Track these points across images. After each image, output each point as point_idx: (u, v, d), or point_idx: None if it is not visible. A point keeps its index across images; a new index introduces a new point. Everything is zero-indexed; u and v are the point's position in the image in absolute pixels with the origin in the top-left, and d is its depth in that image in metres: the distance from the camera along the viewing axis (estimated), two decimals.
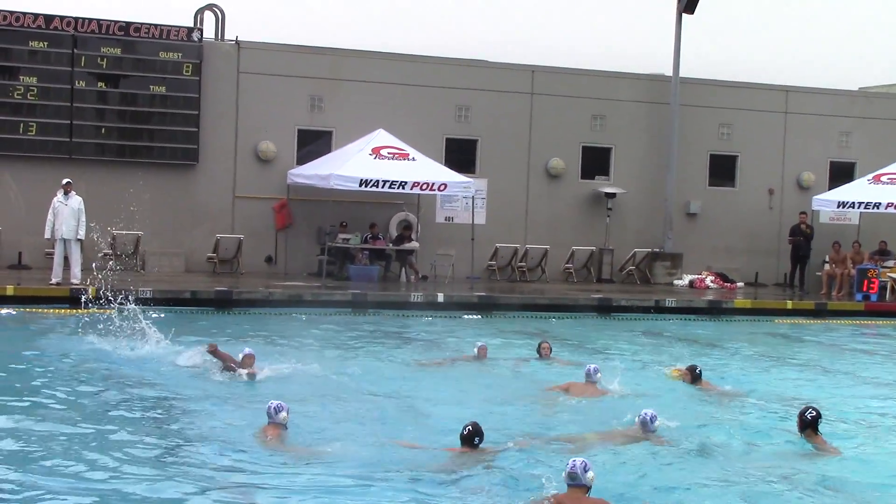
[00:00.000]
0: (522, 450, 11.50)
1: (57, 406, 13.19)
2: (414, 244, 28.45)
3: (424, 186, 26.85)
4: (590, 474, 8.93)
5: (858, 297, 28.23)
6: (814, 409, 12.30)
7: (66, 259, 23.20)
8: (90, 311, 19.87)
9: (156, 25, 27.36)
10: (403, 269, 28.34)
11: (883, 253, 30.16)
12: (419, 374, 16.38)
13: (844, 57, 51.49)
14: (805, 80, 33.91)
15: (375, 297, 24.69)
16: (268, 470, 10.61)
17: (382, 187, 26.33)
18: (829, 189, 31.83)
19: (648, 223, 31.30)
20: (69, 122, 26.65)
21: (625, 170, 31.45)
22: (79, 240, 23.20)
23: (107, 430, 11.91)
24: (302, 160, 28.58)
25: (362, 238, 27.95)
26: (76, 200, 23.23)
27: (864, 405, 15.64)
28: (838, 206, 30.67)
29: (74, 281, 22.89)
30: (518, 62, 31.11)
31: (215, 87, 27.96)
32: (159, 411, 13.14)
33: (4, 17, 26.31)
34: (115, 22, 27.09)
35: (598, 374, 15.14)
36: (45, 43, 26.55)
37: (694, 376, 15.70)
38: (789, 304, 27.49)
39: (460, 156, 29.83)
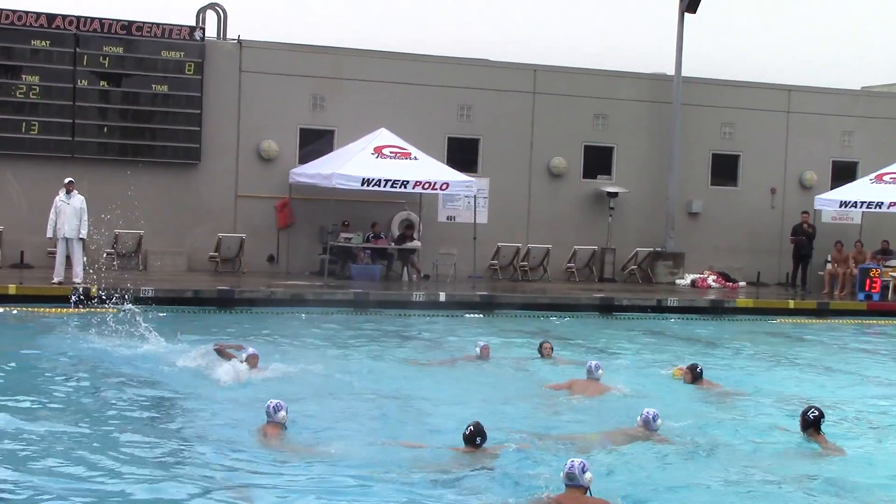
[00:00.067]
0: (524, 450, 11.49)
1: (57, 406, 13.19)
2: (416, 243, 28.44)
3: (426, 186, 26.84)
4: (588, 475, 8.92)
5: (860, 296, 28.21)
6: (816, 408, 12.30)
7: (69, 258, 23.18)
8: (92, 310, 19.89)
9: (158, 24, 27.37)
10: (405, 269, 28.34)
11: (885, 252, 30.13)
12: (421, 374, 16.37)
13: (847, 56, 51.48)
14: (807, 79, 33.93)
15: (377, 297, 24.67)
16: (267, 470, 10.60)
17: (384, 186, 26.33)
18: (832, 188, 31.83)
19: (650, 222, 31.29)
20: (71, 121, 26.66)
21: (627, 169, 31.44)
22: (81, 239, 23.19)
23: (106, 430, 11.91)
24: (304, 159, 28.58)
25: (364, 237, 27.95)
26: (78, 199, 23.22)
27: (866, 404, 15.63)
28: (840, 206, 30.66)
29: (76, 280, 22.89)
30: (520, 61, 31.10)
31: (217, 86, 27.97)
32: (159, 411, 13.15)
33: (7, 16, 26.32)
34: (118, 21, 27.10)
35: (600, 371, 15.15)
36: (48, 42, 26.56)
37: (695, 375, 15.69)
38: (791, 304, 27.47)
39: (462, 155, 29.82)
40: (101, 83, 27.04)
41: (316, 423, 12.53)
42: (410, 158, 27.03)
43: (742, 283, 31.05)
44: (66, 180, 23.42)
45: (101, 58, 26.93)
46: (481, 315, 24.18)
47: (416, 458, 11.09)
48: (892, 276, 28.55)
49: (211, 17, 28.80)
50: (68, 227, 22.97)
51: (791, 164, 32.94)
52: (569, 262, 30.33)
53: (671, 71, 31.15)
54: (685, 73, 30.89)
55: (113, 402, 13.47)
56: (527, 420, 13.12)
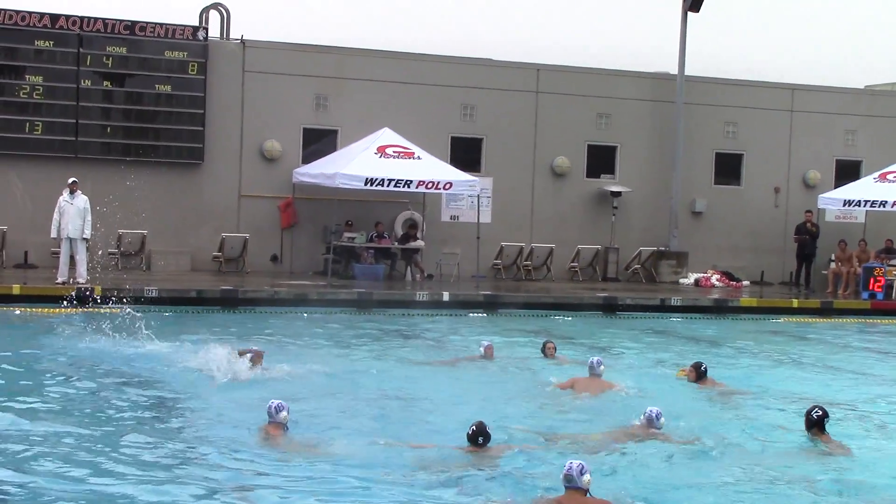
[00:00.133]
0: (527, 450, 11.49)
1: (58, 406, 13.18)
2: (419, 243, 28.44)
3: (430, 185, 26.84)
4: (586, 477, 8.89)
5: (864, 295, 28.19)
6: (820, 408, 12.29)
7: (73, 258, 23.19)
8: (95, 310, 19.90)
9: (161, 24, 27.39)
10: (409, 268, 28.34)
11: (889, 251, 30.10)
12: (424, 374, 16.37)
13: (850, 55, 51.44)
14: (810, 78, 33.89)
15: (381, 296, 24.68)
16: (269, 470, 10.58)
17: (388, 186, 26.34)
18: (835, 187, 31.82)
19: (654, 222, 31.28)
20: (75, 121, 26.68)
21: (630, 168, 31.43)
22: (84, 239, 23.21)
23: (108, 431, 11.89)
24: (307, 159, 28.59)
25: (368, 237, 27.97)
26: (82, 199, 23.24)
27: (871, 403, 15.62)
28: (844, 205, 30.67)
29: (80, 280, 22.91)
30: (523, 61, 31.11)
31: (220, 86, 27.98)
32: (160, 411, 13.13)
33: (10, 17, 26.34)
34: (121, 21, 27.12)
35: (601, 367, 15.17)
36: (51, 42, 26.59)
37: (699, 373, 15.68)
38: (795, 303, 27.46)
39: (465, 154, 29.83)
40: (105, 83, 27.07)
41: (318, 423, 12.51)
42: (414, 158, 27.04)
43: (746, 283, 31.04)
44: (70, 180, 23.43)
45: (105, 58, 26.95)
46: (485, 314, 24.18)
47: (418, 457, 11.09)
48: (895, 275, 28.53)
49: (214, 17, 28.85)
50: (72, 227, 22.99)
51: (794, 163, 32.92)
52: (572, 261, 30.32)
53: (674, 70, 31.14)
54: (688, 72, 30.89)
55: (114, 402, 13.46)
56: (530, 419, 13.12)
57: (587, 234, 30.73)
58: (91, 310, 20.63)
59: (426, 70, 29.66)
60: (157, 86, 27.32)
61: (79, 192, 23.30)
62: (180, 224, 27.74)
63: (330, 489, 10.07)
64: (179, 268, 27.17)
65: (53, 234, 23.36)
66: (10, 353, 16.30)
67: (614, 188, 30.73)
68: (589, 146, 31.26)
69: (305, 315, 22.42)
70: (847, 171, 32.86)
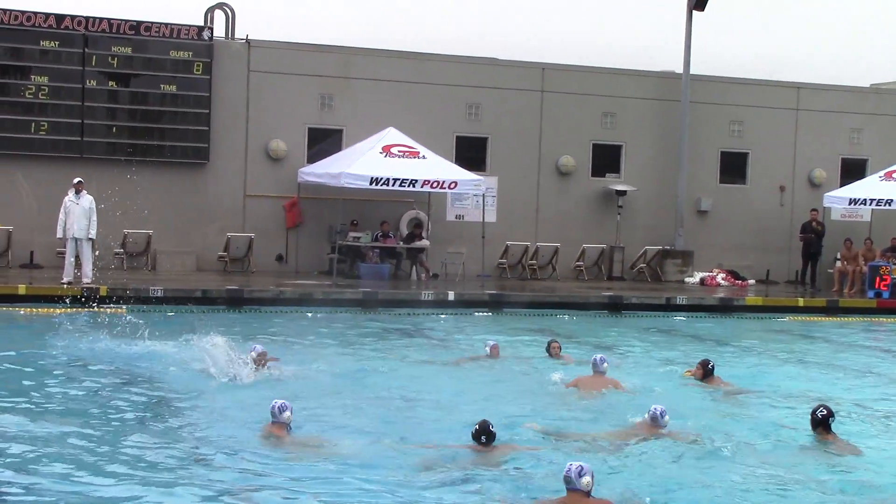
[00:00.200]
0: (531, 450, 11.48)
1: (62, 407, 13.15)
2: (424, 242, 28.45)
3: (435, 184, 26.85)
4: (584, 479, 8.86)
5: (870, 294, 28.16)
6: (825, 407, 12.27)
7: (78, 258, 23.21)
8: (100, 310, 19.92)
9: (166, 24, 27.41)
10: (414, 268, 28.35)
11: (895, 250, 30.06)
12: (429, 373, 16.37)
13: (856, 53, 51.37)
14: (816, 76, 33.85)
15: (386, 296, 24.68)
16: (271, 471, 10.55)
17: (393, 185, 26.34)
18: (841, 186, 31.80)
19: (659, 220, 31.27)
20: (80, 121, 26.72)
21: (635, 167, 31.42)
22: (90, 239, 23.22)
23: (111, 432, 11.85)
24: (312, 159, 28.61)
25: (373, 236, 27.98)
26: (87, 199, 23.26)
27: (877, 402, 15.60)
28: (850, 203, 30.66)
29: (86, 280, 22.93)
30: (528, 60, 31.11)
31: (226, 85, 28.01)
32: (163, 412, 13.09)
33: (16, 17, 26.38)
34: (126, 21, 27.15)
35: (605, 364, 15.16)
36: (56, 42, 26.62)
37: (706, 371, 15.66)
38: (801, 302, 27.44)
39: (471, 154, 29.83)
40: (110, 83, 27.10)
41: (322, 423, 12.50)
42: (419, 157, 27.04)
43: (751, 281, 31.02)
44: (76, 180, 23.45)
45: (110, 58, 26.98)
46: (490, 314, 24.18)
47: (422, 457, 11.08)
48: None
49: (219, 16, 28.87)
50: (77, 227, 23.00)
51: (800, 161, 32.89)
52: (577, 260, 30.32)
53: (679, 69, 31.13)
54: (693, 71, 30.87)
55: (116, 402, 13.44)
56: (534, 419, 13.09)
57: (592, 234, 30.72)
58: (95, 310, 20.65)
59: (431, 69, 29.66)
60: (162, 86, 27.34)
61: (84, 192, 23.33)
62: (185, 224, 27.76)
63: (333, 489, 10.06)
64: (185, 268, 27.21)
65: (59, 235, 23.38)
66: (14, 353, 16.31)
67: (619, 187, 30.73)
68: (594, 145, 31.25)
69: (311, 315, 22.42)
70: (853, 170, 32.82)
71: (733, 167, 32.55)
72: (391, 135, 27.33)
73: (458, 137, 29.97)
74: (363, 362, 17.07)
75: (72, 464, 10.56)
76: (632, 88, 31.35)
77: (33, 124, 26.45)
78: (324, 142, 28.96)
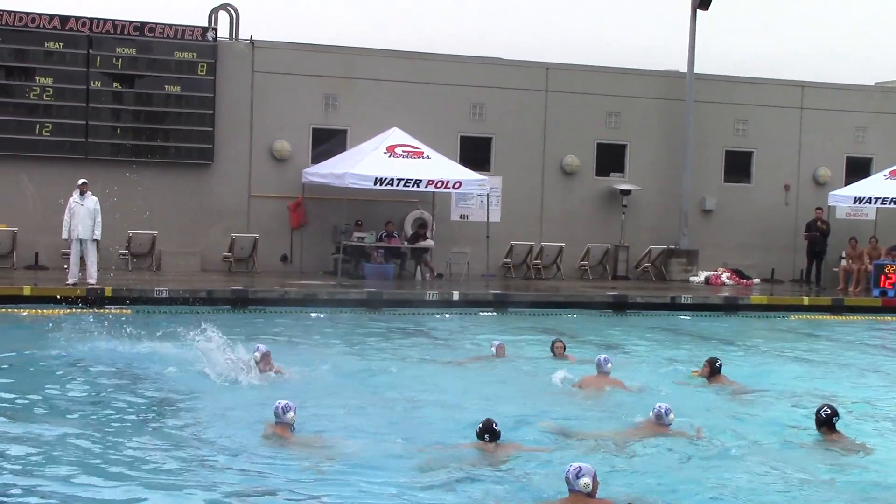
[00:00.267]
0: (536, 450, 11.49)
1: (67, 408, 13.14)
2: (429, 242, 28.45)
3: (439, 184, 26.85)
4: (582, 480, 8.86)
5: (875, 292, 28.14)
6: (829, 406, 12.28)
7: (83, 259, 23.23)
8: (104, 311, 19.94)
9: (170, 25, 27.44)
10: (419, 268, 28.35)
11: None
12: (434, 373, 16.38)
13: (860, 51, 51.33)
14: (821, 75, 33.81)
15: (391, 296, 24.68)
16: (275, 471, 10.57)
17: (397, 185, 26.35)
18: (846, 184, 31.76)
19: (664, 220, 31.25)
20: (85, 122, 26.74)
21: (640, 166, 31.41)
22: (95, 240, 23.24)
23: (113, 433, 11.84)
24: (317, 159, 28.61)
25: (377, 236, 27.99)
26: (92, 201, 23.28)
27: (882, 401, 15.60)
28: (855, 202, 30.62)
29: (91, 281, 22.96)
30: (532, 59, 31.10)
31: (230, 86, 28.02)
32: (165, 412, 13.10)
33: (20, 19, 26.41)
34: (130, 22, 27.17)
35: (609, 364, 15.16)
36: (61, 44, 26.64)
37: (713, 369, 15.66)
38: (806, 301, 27.41)
39: (475, 153, 29.82)
40: (115, 84, 27.12)
41: (325, 423, 12.51)
42: (423, 157, 27.05)
43: (756, 280, 31.00)
44: (80, 181, 23.47)
45: (114, 59, 27.01)
46: (494, 313, 24.17)
47: (425, 457, 11.10)
48: None
49: (223, 17, 28.87)
50: (82, 228, 23.02)
51: (805, 160, 32.86)
52: (582, 259, 30.30)
53: (684, 68, 31.10)
54: (698, 69, 30.85)
55: (120, 403, 13.44)
56: (539, 419, 13.10)
57: (597, 233, 30.71)
58: (100, 311, 20.68)
59: (435, 69, 29.67)
60: (166, 86, 27.36)
61: (89, 193, 23.34)
62: (190, 224, 27.78)
63: (336, 490, 10.07)
64: (189, 268, 27.22)
65: (64, 236, 23.39)
66: (20, 355, 16.34)
67: (624, 186, 30.71)
68: (598, 144, 31.24)
69: (317, 316, 22.43)
70: (857, 168, 32.78)
71: (738, 166, 32.52)
72: (395, 135, 27.34)
73: (462, 137, 29.96)
74: (368, 362, 17.08)
75: (74, 466, 10.57)
76: (636, 88, 31.33)
77: (38, 125, 26.48)
78: (328, 142, 28.96)
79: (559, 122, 30.66)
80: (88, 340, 17.33)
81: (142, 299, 22.37)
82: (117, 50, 27.02)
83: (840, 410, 12.46)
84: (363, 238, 27.74)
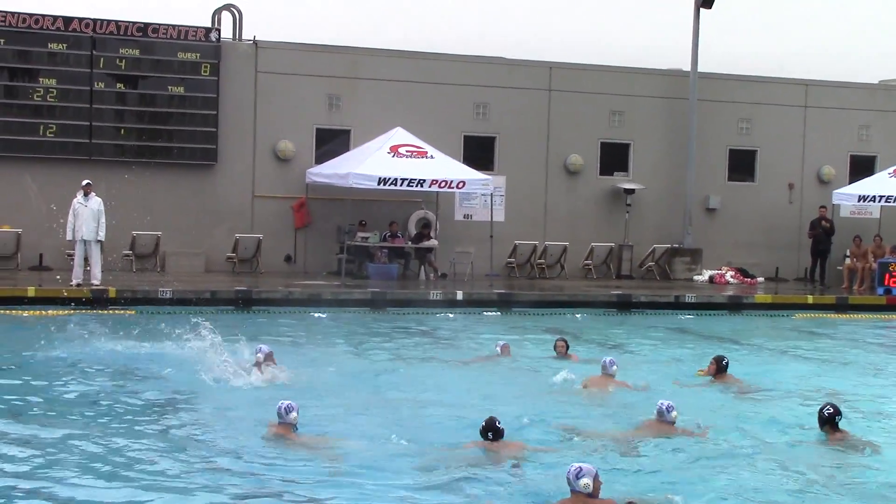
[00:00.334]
0: (539, 450, 11.48)
1: (70, 410, 13.11)
2: (433, 242, 28.45)
3: (443, 184, 26.85)
4: (582, 481, 8.85)
5: (880, 291, 28.12)
6: (832, 405, 12.27)
7: (87, 260, 23.25)
8: (108, 312, 19.94)
9: (174, 26, 27.45)
10: (423, 268, 28.35)
11: None
12: (438, 373, 16.38)
13: (864, 49, 51.26)
14: (824, 73, 33.75)
15: (395, 296, 24.68)
16: (277, 472, 10.57)
17: (401, 185, 26.35)
18: (850, 183, 31.74)
19: (668, 219, 31.24)
20: (88, 123, 26.77)
21: (644, 165, 31.39)
22: (99, 241, 23.26)
23: (115, 434, 11.81)
24: (320, 159, 28.62)
25: (381, 236, 27.99)
26: (96, 202, 23.29)
27: (887, 399, 15.59)
28: (859, 200, 30.61)
29: (95, 282, 22.98)
30: (536, 59, 31.10)
31: (233, 86, 28.03)
32: (168, 413, 13.07)
33: (24, 20, 26.43)
34: (134, 23, 27.19)
35: (614, 367, 15.15)
36: (64, 45, 26.67)
37: (720, 367, 15.66)
38: (810, 299, 27.38)
39: (478, 153, 29.83)
40: (118, 85, 27.14)
41: (329, 423, 12.50)
42: (427, 157, 27.05)
43: (760, 279, 30.98)
44: (84, 182, 23.48)
45: (118, 60, 27.03)
46: (499, 313, 24.16)
47: (429, 457, 11.10)
48: None
49: (226, 18, 28.88)
50: (86, 229, 23.04)
51: (809, 158, 32.83)
52: (586, 259, 30.29)
53: (687, 67, 31.10)
54: (701, 68, 30.85)
55: (123, 406, 13.41)
56: (542, 418, 13.10)
57: (601, 232, 30.70)
58: (103, 311, 20.68)
59: (439, 69, 29.67)
60: (170, 87, 27.38)
61: (93, 193, 23.35)
62: (194, 225, 27.79)
63: (339, 490, 10.06)
64: (193, 269, 27.24)
65: (68, 237, 23.41)
66: (24, 356, 16.33)
67: (628, 185, 30.70)
68: (602, 144, 31.24)
69: (321, 316, 22.43)
70: (861, 167, 32.75)
71: (742, 165, 32.50)
72: (399, 135, 27.35)
73: (465, 137, 29.96)
74: (371, 363, 17.09)
75: (76, 467, 10.56)
76: (640, 86, 31.32)
77: (42, 127, 26.50)
78: (332, 142, 28.97)
79: (563, 121, 30.66)
80: (92, 341, 17.34)
81: (146, 300, 22.39)
82: (121, 51, 27.04)
83: (846, 409, 12.46)
84: (367, 238, 27.75)
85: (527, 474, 10.58)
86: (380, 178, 26.03)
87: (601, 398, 14.34)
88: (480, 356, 17.64)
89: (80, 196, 23.28)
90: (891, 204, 30.24)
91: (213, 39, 27.82)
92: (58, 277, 23.73)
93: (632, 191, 30.62)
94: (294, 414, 11.50)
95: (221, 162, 27.96)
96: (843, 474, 11.12)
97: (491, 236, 27.48)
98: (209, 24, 28.40)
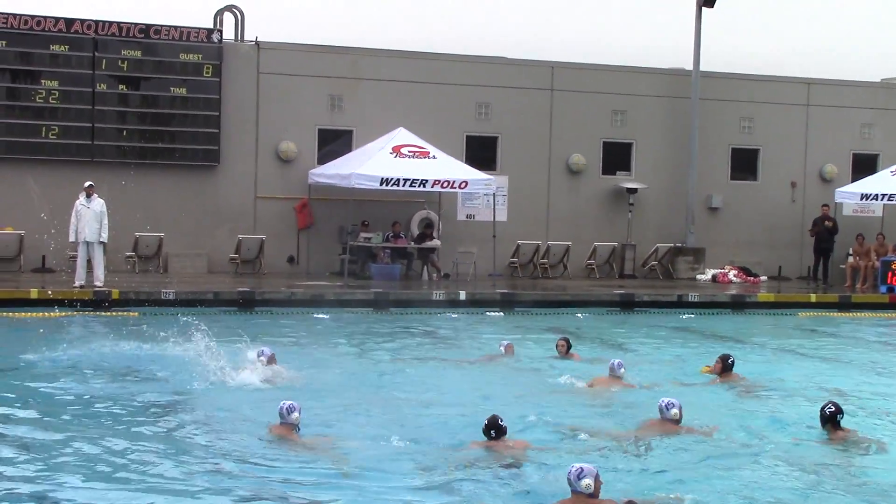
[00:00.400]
0: (543, 449, 11.48)
1: (72, 412, 13.10)
2: (435, 242, 28.44)
3: (445, 184, 26.85)
4: (584, 481, 8.84)
5: (883, 289, 28.10)
6: (833, 403, 12.27)
7: (90, 262, 23.25)
8: (112, 314, 19.94)
9: (175, 27, 27.46)
10: (425, 268, 28.35)
11: None
12: (442, 373, 16.37)
13: (866, 48, 51.23)
14: (826, 72, 33.74)
15: (397, 296, 24.69)
16: (279, 472, 10.57)
17: (403, 186, 26.35)
18: (852, 181, 31.72)
19: (670, 218, 31.22)
20: (90, 125, 26.78)
21: (646, 165, 31.38)
22: (101, 242, 23.27)
23: (118, 437, 11.79)
24: (322, 160, 28.63)
25: (384, 237, 27.99)
26: (98, 203, 23.29)
27: (890, 396, 15.57)
28: (861, 199, 30.60)
29: (98, 283, 22.98)
30: (537, 58, 31.10)
31: (235, 87, 28.04)
32: (170, 414, 13.07)
33: (26, 22, 26.45)
34: (136, 24, 27.20)
35: (622, 370, 15.13)
36: (66, 46, 26.68)
37: (725, 365, 15.66)
38: (813, 298, 27.36)
39: (481, 153, 29.82)
40: (120, 87, 27.15)
41: (330, 424, 12.50)
42: (429, 157, 27.04)
43: (763, 278, 30.97)
44: (86, 184, 23.50)
45: (120, 61, 27.04)
46: (502, 313, 24.16)
47: (431, 457, 11.10)
48: None
49: (228, 19, 28.85)
50: (89, 230, 23.05)
51: (811, 157, 32.81)
52: (589, 258, 30.28)
53: (689, 66, 31.08)
54: (703, 67, 30.82)
55: (125, 407, 13.38)
56: (545, 418, 13.09)
57: (603, 232, 30.69)
58: (106, 313, 20.69)
59: (440, 69, 29.67)
60: (172, 88, 27.39)
61: (95, 195, 23.36)
62: (196, 226, 27.80)
63: (341, 491, 10.07)
64: (196, 270, 27.25)
65: (71, 238, 23.42)
66: (26, 358, 16.31)
67: (630, 185, 30.70)
68: (604, 143, 31.23)
69: (324, 317, 22.43)
70: (864, 165, 32.74)
71: (744, 164, 32.49)
72: (401, 135, 27.35)
73: (468, 137, 29.96)
74: (374, 363, 17.09)
75: (77, 469, 10.56)
76: (642, 86, 31.31)
77: (44, 128, 26.52)
78: (334, 143, 28.98)
79: (565, 120, 30.65)
80: (95, 343, 17.36)
81: (148, 301, 22.40)
82: (123, 52, 27.05)
83: (850, 407, 12.45)
84: (370, 238, 27.75)
85: (528, 474, 10.58)
86: (382, 179, 26.03)
87: (605, 398, 14.33)
88: (484, 356, 17.63)
89: (82, 198, 23.29)
90: (893, 202, 30.24)
91: (215, 40, 27.82)
92: (63, 276, 23.75)
93: (634, 190, 30.62)
94: (296, 414, 11.50)
95: (224, 163, 27.97)
96: (845, 473, 11.12)
97: (494, 236, 27.48)
98: (211, 26, 28.40)
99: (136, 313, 21.65)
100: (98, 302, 21.91)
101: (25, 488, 9.90)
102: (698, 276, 30.38)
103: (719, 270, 30.46)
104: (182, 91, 27.43)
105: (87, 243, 23.13)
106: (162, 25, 27.38)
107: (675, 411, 12.14)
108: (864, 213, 32.37)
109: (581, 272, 30.26)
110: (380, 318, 22.78)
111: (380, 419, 12.87)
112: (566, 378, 15.31)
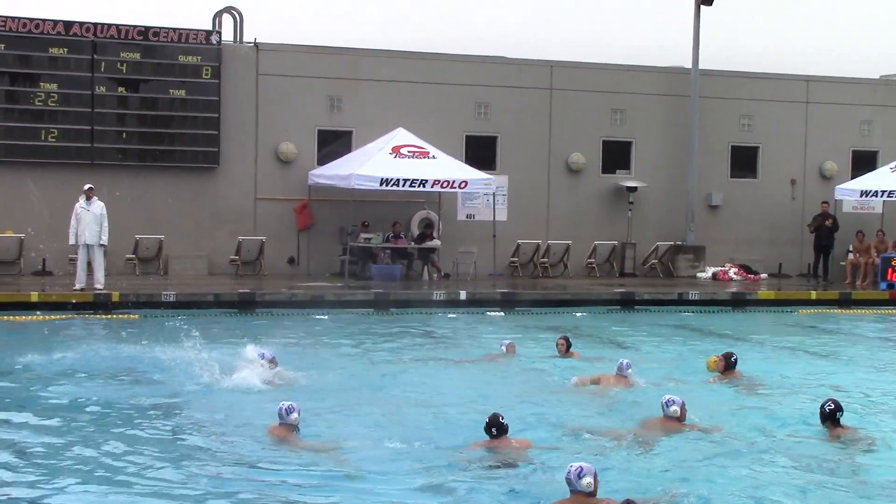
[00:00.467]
0: (545, 448, 11.48)
1: (73, 415, 13.09)
2: (436, 242, 28.45)
3: (445, 184, 26.85)
4: (584, 480, 8.83)
5: (883, 285, 28.09)
6: (833, 401, 12.28)
7: (90, 264, 23.26)
8: (113, 317, 19.95)
9: (174, 29, 27.46)
10: (426, 268, 28.35)
11: None
12: (443, 373, 16.37)
13: (865, 45, 51.21)
14: (825, 69, 33.74)
15: (398, 296, 24.69)
16: (279, 473, 10.57)
17: (403, 186, 26.35)
18: (852, 178, 31.71)
19: (670, 216, 31.22)
20: (90, 127, 26.78)
21: (646, 163, 31.38)
22: (102, 245, 23.27)
23: (118, 440, 11.80)
24: (322, 161, 28.63)
25: (384, 237, 27.99)
26: (98, 206, 23.29)
27: (892, 394, 15.58)
28: (861, 195, 30.57)
29: (98, 286, 22.98)
30: (537, 58, 31.09)
31: (235, 89, 28.04)
32: (170, 415, 13.08)
33: (24, 25, 26.45)
34: (134, 27, 27.20)
35: (630, 370, 15.12)
36: (65, 49, 26.68)
37: (728, 363, 15.66)
38: (813, 295, 27.36)
39: (480, 153, 29.81)
40: (119, 89, 27.15)
41: (330, 424, 12.50)
42: (429, 157, 27.04)
43: (763, 275, 30.96)
44: (86, 187, 23.49)
45: (119, 64, 27.04)
46: (502, 312, 24.17)
47: (432, 457, 11.10)
48: None
49: (227, 20, 28.83)
50: (89, 233, 23.04)
51: (811, 154, 32.81)
52: (589, 257, 30.28)
53: (688, 64, 31.07)
54: (702, 65, 30.81)
55: (126, 409, 13.40)
56: (547, 417, 13.10)
57: (603, 230, 30.69)
58: (106, 316, 20.70)
59: (440, 69, 29.67)
60: (171, 90, 27.39)
61: (95, 198, 23.36)
62: (197, 228, 27.80)
63: (341, 491, 10.07)
64: (196, 272, 27.25)
65: (72, 241, 23.42)
66: (28, 361, 16.30)
67: (630, 183, 30.69)
68: (604, 142, 31.22)
69: (325, 318, 22.44)
70: (864, 162, 32.73)
71: (744, 161, 32.49)
72: (401, 135, 27.34)
73: (467, 137, 29.95)
74: (374, 363, 17.08)
75: (77, 472, 10.57)
76: (641, 84, 31.31)
77: (43, 131, 26.51)
78: (333, 143, 28.98)
79: (564, 119, 30.65)
80: (95, 346, 17.37)
81: (149, 304, 22.40)
82: (121, 55, 27.05)
83: (851, 403, 12.47)
84: (370, 239, 27.75)
85: (530, 474, 10.58)
86: (382, 179, 26.03)
87: (610, 397, 14.33)
88: (485, 355, 17.64)
89: (82, 200, 23.28)
90: (893, 199, 30.23)
91: (214, 42, 27.82)
92: (63, 277, 23.75)
93: (634, 189, 30.62)
94: (295, 415, 11.50)
95: (223, 164, 27.97)
96: (845, 470, 11.12)
97: (494, 236, 27.48)
98: (210, 27, 28.39)
99: (137, 315, 21.67)
100: (98, 305, 21.90)
101: (24, 493, 9.90)
102: (699, 274, 30.38)
103: (720, 268, 30.45)
104: (181, 93, 27.44)
105: (88, 246, 23.13)
106: (161, 27, 27.39)
107: (675, 408, 12.14)
108: (863, 210, 32.37)
109: (581, 271, 30.26)
110: (380, 319, 22.79)
111: (380, 419, 12.87)
112: (567, 378, 15.30)
